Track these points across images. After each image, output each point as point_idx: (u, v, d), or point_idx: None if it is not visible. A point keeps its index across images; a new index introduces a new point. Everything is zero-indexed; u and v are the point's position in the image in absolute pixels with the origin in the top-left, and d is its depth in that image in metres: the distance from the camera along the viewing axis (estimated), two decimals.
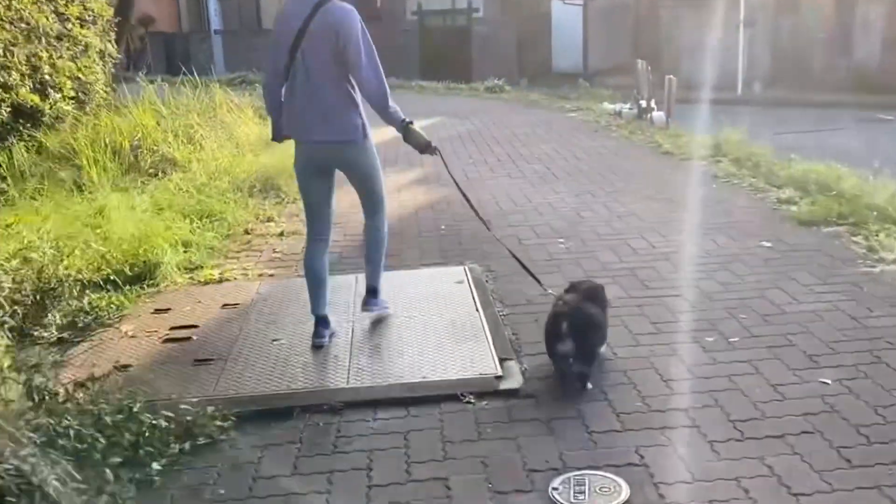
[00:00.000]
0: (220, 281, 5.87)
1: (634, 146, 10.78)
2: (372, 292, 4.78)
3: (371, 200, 4.67)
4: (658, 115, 12.77)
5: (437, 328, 4.81)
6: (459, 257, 6.26)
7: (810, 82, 18.63)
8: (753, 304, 5.03)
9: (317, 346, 4.53)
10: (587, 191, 8.29)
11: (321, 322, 4.62)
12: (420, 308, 5.14)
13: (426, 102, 15.70)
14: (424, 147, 4.43)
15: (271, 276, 6.01)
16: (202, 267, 6.14)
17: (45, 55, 9.11)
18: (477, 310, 5.05)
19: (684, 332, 4.68)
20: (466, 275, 5.73)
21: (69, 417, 3.42)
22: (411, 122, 4.36)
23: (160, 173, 8.98)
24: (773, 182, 8.17)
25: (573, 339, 3.91)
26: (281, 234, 7.06)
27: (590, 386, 4.01)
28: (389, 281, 5.53)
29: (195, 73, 12.26)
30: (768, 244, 6.22)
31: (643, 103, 13.29)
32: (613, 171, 9.15)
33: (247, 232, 7.09)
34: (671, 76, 12.49)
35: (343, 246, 6.70)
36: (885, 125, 14.82)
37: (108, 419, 3.52)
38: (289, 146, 4.86)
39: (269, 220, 7.56)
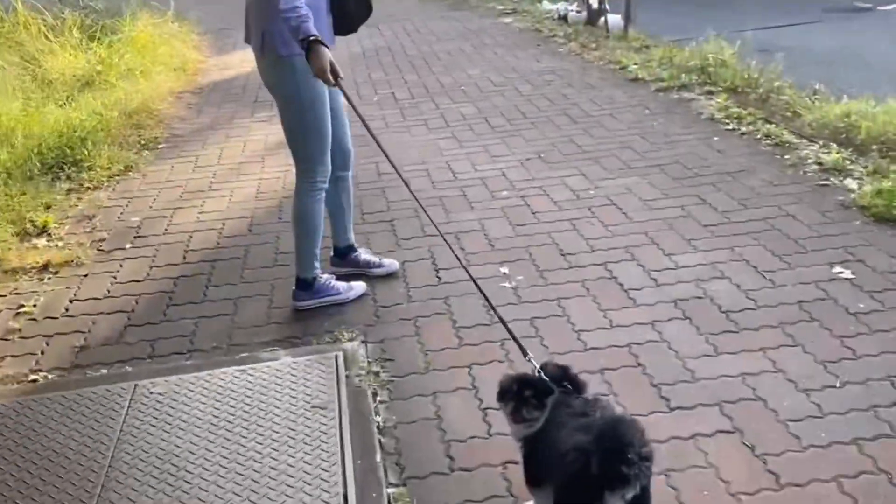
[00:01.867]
0: None
1: (592, 68, 8.07)
2: (299, 283, 3.71)
3: (290, 147, 3.51)
4: (613, 18, 10.05)
5: None
6: (332, 317, 3.63)
7: None
8: (880, 457, 2.56)
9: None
10: (537, 152, 5.65)
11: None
12: None
13: None
14: (323, 75, 3.08)
15: None
16: None
17: None
18: None
19: None
20: (338, 376, 3.12)
21: None
22: (317, 40, 3.01)
23: None
24: (800, 130, 5.65)
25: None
26: (45, 266, 4.28)
27: None
28: (176, 403, 2.92)
29: None
30: (845, 272, 3.73)
31: (594, 3, 10.53)
32: (569, 115, 6.49)
33: None
34: None
35: (129, 298, 3.97)
36: (864, 16, 12.30)
37: None
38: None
39: (42, 232, 4.75)
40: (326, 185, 3.51)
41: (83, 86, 7.51)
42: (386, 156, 3.13)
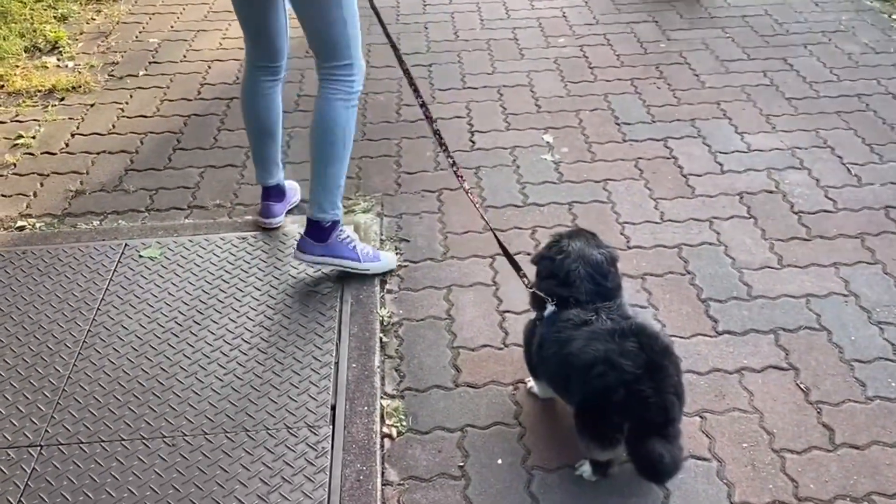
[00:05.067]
0: None
1: None
2: (311, 228, 2.61)
3: (325, 44, 2.50)
4: None
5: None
6: (349, 181, 3.24)
7: None
8: None
9: (265, 228, 2.89)
10: None
11: (271, 193, 2.89)
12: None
13: None
14: None
15: None
16: None
17: None
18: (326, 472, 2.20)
19: None
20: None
21: None
22: None
23: None
24: None
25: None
26: (51, 91, 3.95)
27: None
28: (166, 269, 2.64)
29: None
30: None
31: None
32: None
33: None
34: None
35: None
36: None
37: None
38: None
39: (53, 49, 4.38)
40: None
41: None
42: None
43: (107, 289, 2.69)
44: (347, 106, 2.53)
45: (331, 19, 2.41)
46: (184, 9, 4.86)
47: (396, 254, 2.82)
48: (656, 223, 2.95)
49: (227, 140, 3.53)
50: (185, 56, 4.27)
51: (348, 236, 2.67)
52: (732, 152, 3.34)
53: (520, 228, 2.93)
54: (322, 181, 2.57)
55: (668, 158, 3.32)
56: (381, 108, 3.72)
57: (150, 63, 4.21)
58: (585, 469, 2.04)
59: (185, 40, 4.45)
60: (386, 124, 3.60)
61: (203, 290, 2.66)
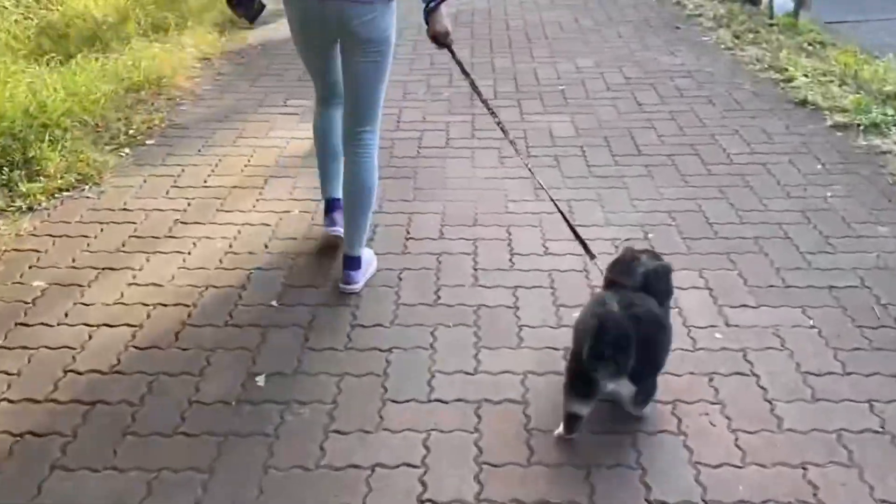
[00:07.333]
0: None
1: (744, 75, 6.04)
2: (352, 262, 3.20)
3: (370, 107, 3.07)
4: None
5: None
6: None
7: None
8: None
9: (333, 234, 3.48)
10: (646, 226, 3.85)
11: (334, 205, 3.47)
12: None
13: None
14: (442, 36, 2.94)
15: None
16: None
17: None
18: None
19: None
20: None
21: None
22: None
23: None
24: None
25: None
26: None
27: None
28: None
29: None
30: None
31: None
32: (703, 157, 4.62)
33: None
34: None
35: None
36: None
37: None
38: None
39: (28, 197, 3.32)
40: None
41: (88, 41, 6.03)
42: None
43: None
44: (375, 164, 3.10)
45: (377, 86, 2.98)
46: (100, 231, 3.83)
47: None
48: None
49: (52, 493, 2.35)
50: (66, 315, 3.15)
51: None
52: None
53: None
54: (360, 226, 3.14)
55: None
56: (375, 303, 2.53)
57: (12, 328, 3.12)
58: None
59: (79, 286, 3.36)
60: (379, 328, 2.45)
61: None
